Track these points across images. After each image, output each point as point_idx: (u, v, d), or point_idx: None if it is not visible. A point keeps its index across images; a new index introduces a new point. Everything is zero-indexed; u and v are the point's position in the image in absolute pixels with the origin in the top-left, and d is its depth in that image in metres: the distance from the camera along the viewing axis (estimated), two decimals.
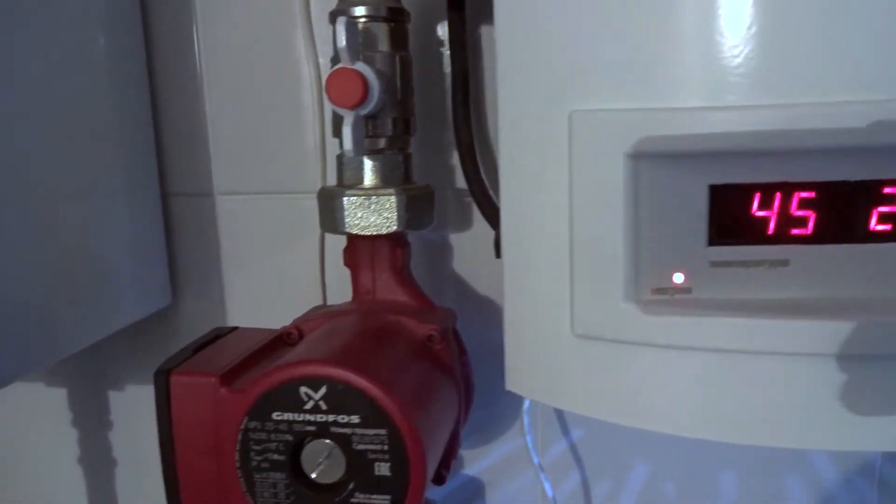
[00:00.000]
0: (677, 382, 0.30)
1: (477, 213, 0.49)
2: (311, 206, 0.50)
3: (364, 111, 0.37)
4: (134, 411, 0.57)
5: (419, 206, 0.40)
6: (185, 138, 0.52)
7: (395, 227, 0.39)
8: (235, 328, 0.40)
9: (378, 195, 0.39)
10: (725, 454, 0.51)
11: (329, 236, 0.48)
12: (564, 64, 0.29)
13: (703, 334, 0.29)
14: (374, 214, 0.39)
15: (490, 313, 0.50)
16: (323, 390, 0.31)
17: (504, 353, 0.36)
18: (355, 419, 0.31)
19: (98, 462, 0.59)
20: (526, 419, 0.45)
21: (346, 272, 0.43)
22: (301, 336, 0.39)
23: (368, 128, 0.39)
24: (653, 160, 0.28)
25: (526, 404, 0.45)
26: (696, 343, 0.29)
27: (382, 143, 0.40)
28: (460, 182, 0.48)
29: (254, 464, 0.32)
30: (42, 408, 0.58)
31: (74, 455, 0.59)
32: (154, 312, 0.53)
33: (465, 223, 0.50)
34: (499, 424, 0.52)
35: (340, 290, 0.47)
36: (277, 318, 0.42)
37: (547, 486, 0.46)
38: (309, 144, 0.50)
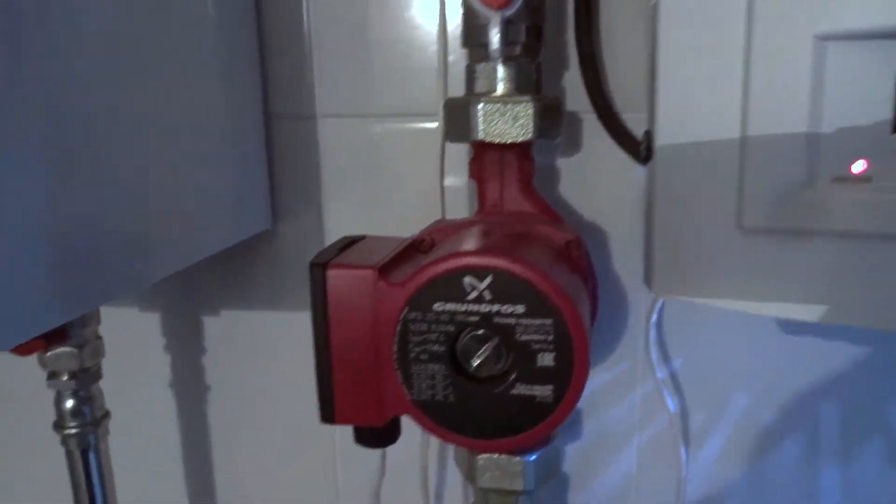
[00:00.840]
0: (855, 272, 0.29)
1: (587, 136, 0.49)
2: (413, 129, 0.50)
3: (508, 12, 0.37)
4: (228, 337, 0.58)
5: (551, 115, 0.40)
6: (289, 59, 0.52)
7: (529, 136, 0.39)
8: (364, 236, 0.40)
9: (514, 102, 0.38)
10: (829, 385, 0.51)
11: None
12: None
13: (886, 222, 0.28)
14: (508, 122, 0.39)
15: (598, 239, 0.50)
16: (488, 280, 0.31)
17: (647, 261, 0.36)
18: (520, 309, 0.31)
19: (190, 388, 0.60)
20: (653, 332, 0.45)
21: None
22: (433, 243, 0.39)
23: (505, 34, 0.38)
24: (841, 43, 0.28)
25: (654, 318, 0.45)
26: (879, 230, 0.28)
27: (518, 49, 0.39)
28: (569, 104, 0.48)
29: (412, 355, 0.33)
30: (135, 333, 0.59)
31: (167, 380, 0.60)
32: (252, 236, 0.53)
33: (573, 147, 0.49)
34: (597, 352, 0.52)
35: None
36: None
37: (668, 401, 0.46)
38: (416, 64, 0.50)
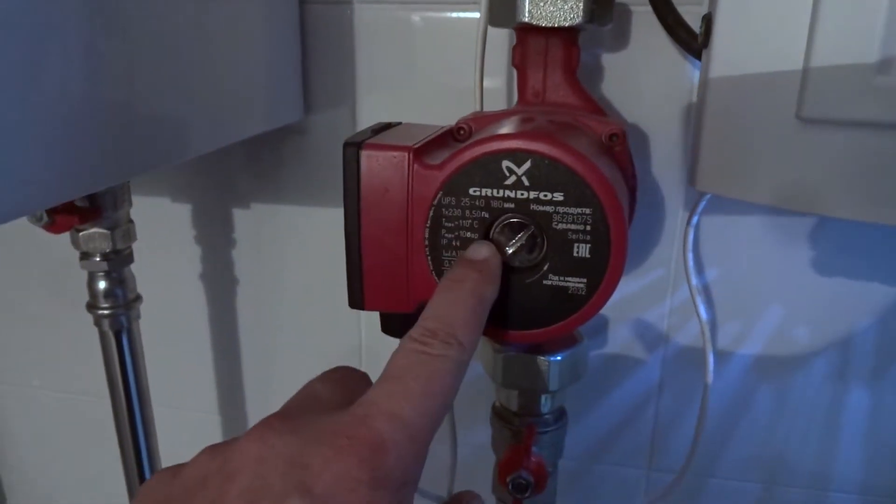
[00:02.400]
0: None
1: (637, 30, 0.46)
2: (454, 18, 0.48)
3: None
4: (258, 231, 0.58)
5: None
6: None
7: (578, 20, 0.36)
8: (399, 122, 0.39)
9: None
10: (865, 304, 0.49)
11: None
12: None
13: None
14: (557, 3, 0.36)
15: (639, 142, 0.48)
16: (527, 165, 0.30)
17: (692, 156, 0.34)
18: (559, 197, 0.30)
19: (220, 280, 0.60)
20: (691, 234, 0.44)
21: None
22: (471, 132, 0.37)
23: None
24: None
25: (695, 219, 0.43)
26: None
27: None
28: None
29: (444, 241, 0.32)
30: (166, 224, 0.59)
31: (197, 272, 0.60)
32: (284, 128, 0.52)
33: (620, 42, 0.47)
34: (630, 257, 0.51)
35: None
36: None
37: (701, 309, 0.45)
38: None
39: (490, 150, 0.30)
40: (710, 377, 0.47)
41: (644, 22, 0.45)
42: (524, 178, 0.30)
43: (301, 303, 0.59)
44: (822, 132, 0.29)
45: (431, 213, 0.32)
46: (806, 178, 0.29)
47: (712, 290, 0.51)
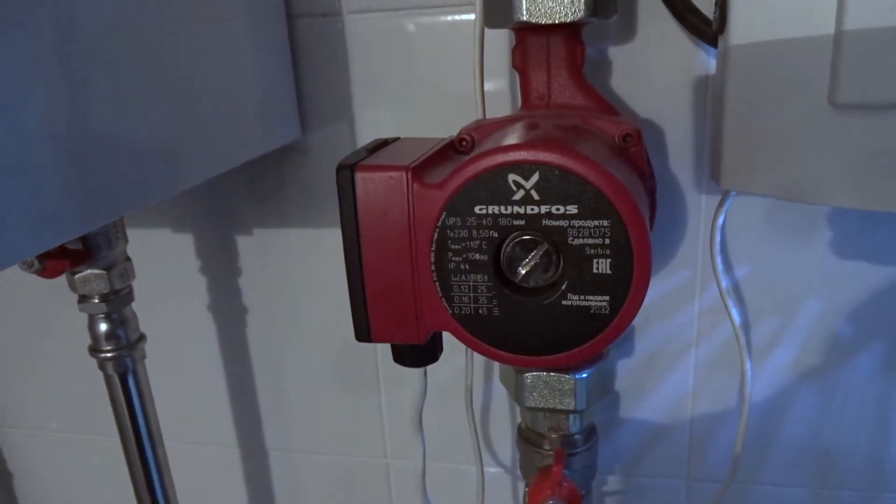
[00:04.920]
0: None
1: (643, 18, 0.43)
2: (449, 21, 0.45)
3: None
4: (262, 257, 0.56)
5: None
6: None
7: (580, 14, 0.34)
8: (398, 137, 0.36)
9: None
10: None
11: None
12: None
13: None
14: None
15: (654, 137, 0.45)
16: (535, 177, 0.27)
17: (714, 153, 0.32)
18: (573, 210, 0.27)
19: (228, 310, 0.58)
20: (718, 236, 0.41)
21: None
22: (473, 143, 0.35)
23: None
24: None
25: (720, 220, 0.41)
26: None
27: None
28: None
29: (451, 265, 0.29)
30: (171, 256, 0.57)
31: (204, 303, 0.59)
32: (282, 150, 0.50)
33: (627, 32, 0.44)
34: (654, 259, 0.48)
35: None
36: None
37: (734, 312, 0.42)
38: None
39: (494, 164, 0.28)
40: (748, 387, 0.44)
41: (651, 9, 0.43)
42: (533, 192, 0.28)
43: (313, 327, 0.57)
44: (860, 118, 0.26)
45: (436, 236, 0.29)
46: (843, 170, 0.27)
47: (743, 289, 0.48)
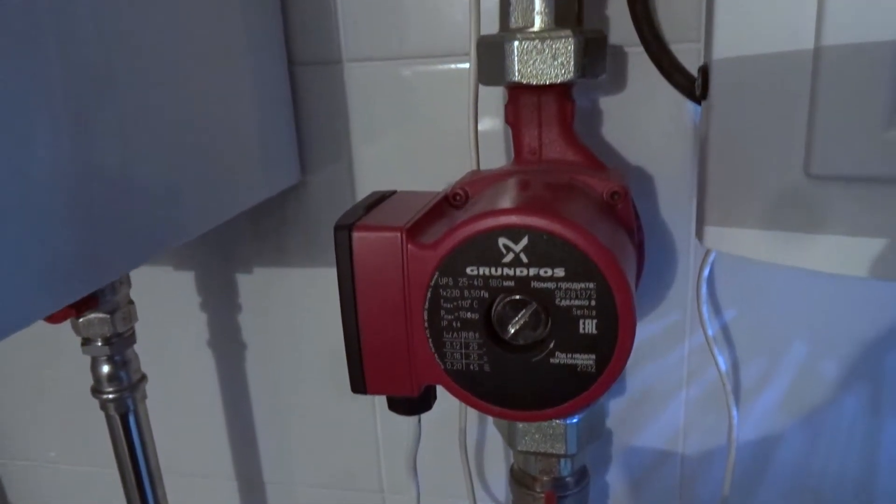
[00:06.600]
0: None
1: (633, 72, 0.45)
2: (444, 71, 0.47)
3: None
4: (262, 294, 0.57)
5: (594, 51, 0.36)
6: (310, 1, 0.48)
7: (569, 76, 0.35)
8: (394, 191, 0.37)
9: (553, 38, 0.35)
10: (893, 332, 0.47)
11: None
12: None
13: None
14: (546, 61, 0.35)
15: (645, 185, 0.47)
16: (524, 241, 0.29)
17: (698, 211, 0.33)
18: (560, 272, 0.29)
19: (227, 347, 0.59)
20: (704, 287, 0.42)
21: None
22: (467, 198, 0.36)
23: None
24: None
25: (706, 272, 0.42)
26: None
27: None
28: (612, 36, 0.44)
29: (444, 323, 0.31)
30: (171, 292, 0.58)
31: (204, 339, 0.60)
32: (282, 191, 0.51)
33: (617, 85, 0.45)
34: (644, 302, 0.49)
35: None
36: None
37: (720, 360, 0.43)
38: (444, 2, 0.46)
39: (485, 228, 0.29)
40: (734, 432, 0.45)
41: (640, 62, 0.44)
42: (522, 255, 0.29)
43: (311, 364, 0.58)
44: (833, 189, 0.27)
45: (429, 295, 0.30)
46: (818, 237, 0.28)
47: (731, 331, 0.49)
